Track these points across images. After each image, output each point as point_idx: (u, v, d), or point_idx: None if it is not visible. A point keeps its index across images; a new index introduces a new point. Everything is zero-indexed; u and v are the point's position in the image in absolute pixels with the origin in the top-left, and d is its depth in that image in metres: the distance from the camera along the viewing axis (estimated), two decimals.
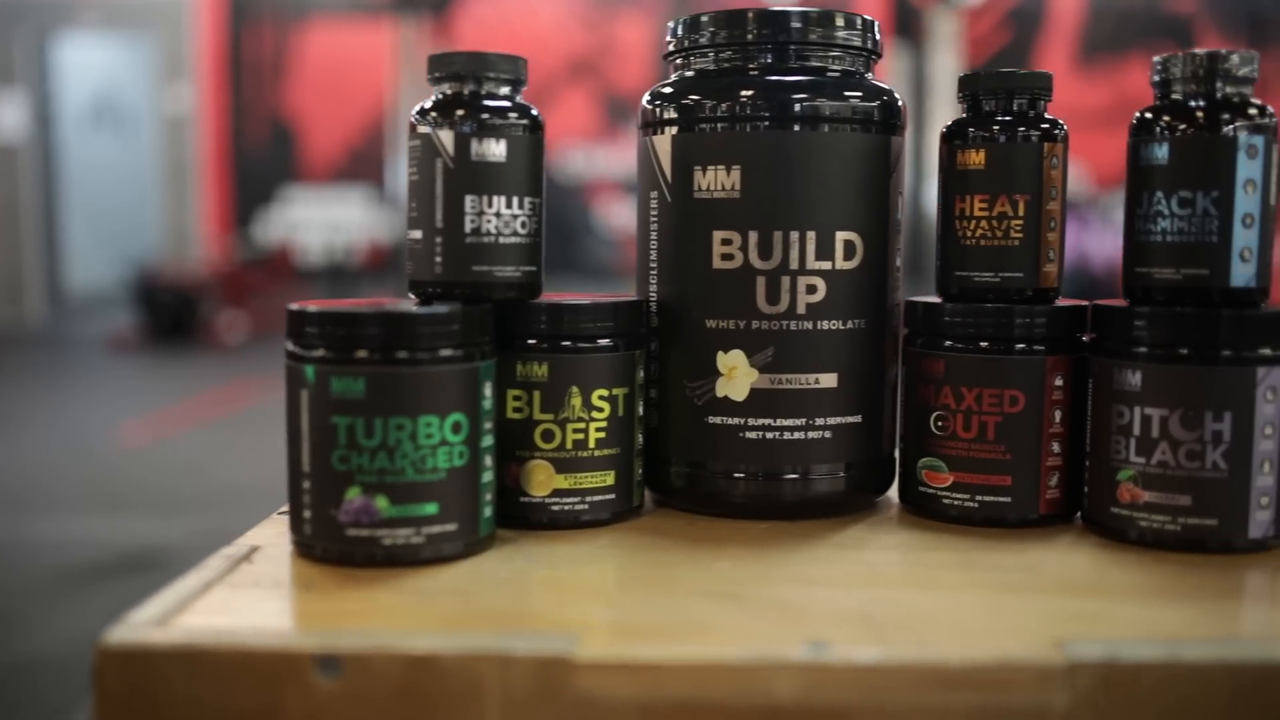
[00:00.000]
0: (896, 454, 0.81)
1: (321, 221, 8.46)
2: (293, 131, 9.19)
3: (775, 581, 0.65)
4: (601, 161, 9.02)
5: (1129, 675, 0.52)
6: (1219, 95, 0.71)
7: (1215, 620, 0.59)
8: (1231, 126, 0.70)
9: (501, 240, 0.73)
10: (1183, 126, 0.71)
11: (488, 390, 0.69)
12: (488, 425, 0.69)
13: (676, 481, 0.79)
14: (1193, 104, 0.71)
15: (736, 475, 0.77)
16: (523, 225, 0.74)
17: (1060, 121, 0.78)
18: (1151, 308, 0.71)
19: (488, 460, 0.69)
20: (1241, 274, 0.71)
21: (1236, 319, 0.69)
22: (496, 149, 0.73)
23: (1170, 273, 0.72)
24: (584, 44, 9.02)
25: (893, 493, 0.82)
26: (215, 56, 9.11)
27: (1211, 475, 0.69)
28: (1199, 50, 0.71)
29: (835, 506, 0.79)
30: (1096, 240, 7.04)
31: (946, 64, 6.95)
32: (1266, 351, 0.69)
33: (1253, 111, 0.71)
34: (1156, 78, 0.73)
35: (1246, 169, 0.70)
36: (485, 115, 0.73)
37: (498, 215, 0.73)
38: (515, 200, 0.74)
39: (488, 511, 0.70)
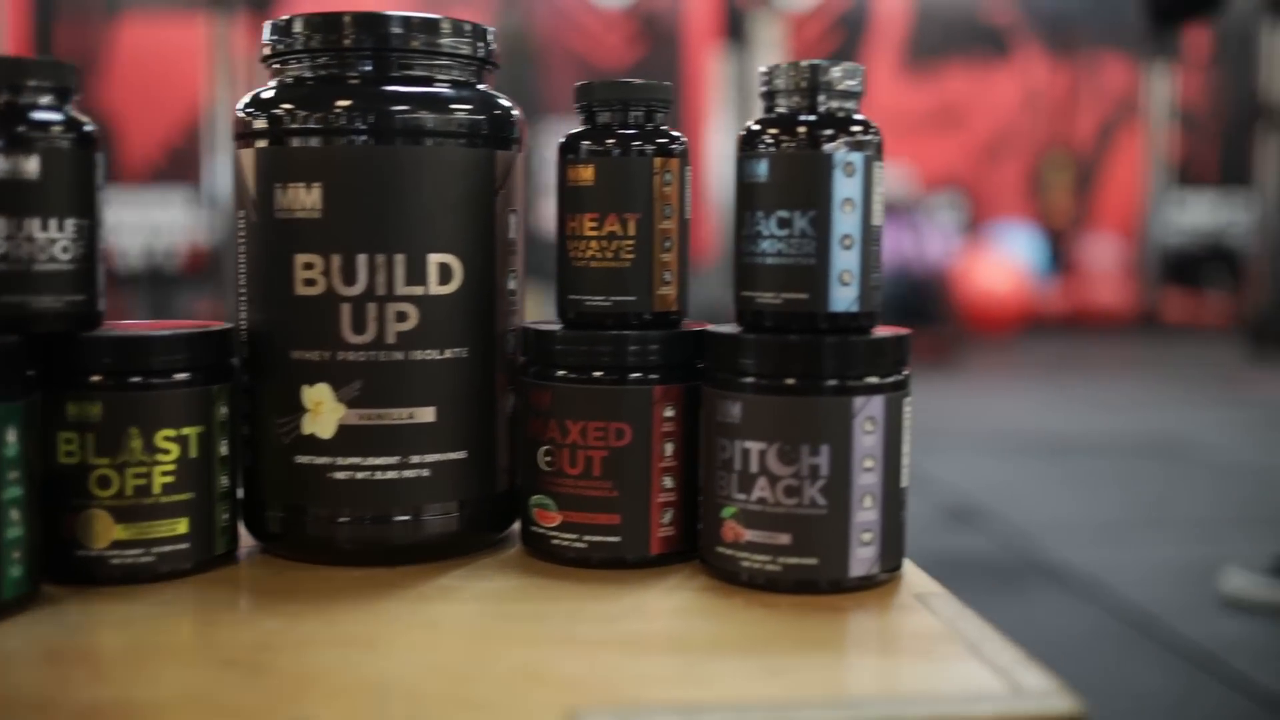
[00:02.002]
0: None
1: (140, 224, 8.15)
2: (108, 131, 8.81)
3: (316, 644, 0.59)
4: None
5: None
6: (821, 109, 0.67)
7: (781, 679, 0.55)
8: (830, 143, 0.66)
9: (36, 267, 0.65)
10: (780, 142, 0.67)
11: (10, 435, 0.61)
12: (12, 475, 0.61)
13: (273, 526, 0.72)
14: (792, 118, 0.67)
15: (329, 519, 0.70)
16: (64, 250, 0.66)
17: (679, 135, 0.74)
18: (744, 335, 0.67)
19: (14, 514, 0.62)
20: (842, 298, 0.67)
21: (831, 346, 0.65)
22: (29, 165, 0.65)
23: (772, 297, 0.67)
24: None
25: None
26: (24, 54, 8.67)
27: (810, 512, 0.65)
28: (802, 61, 0.68)
29: (445, 549, 0.73)
30: (925, 244, 7.17)
31: None
32: (864, 380, 0.65)
33: (854, 128, 0.67)
34: (762, 89, 0.69)
35: (844, 188, 0.66)
36: (19, 128, 0.65)
37: (30, 240, 0.65)
38: (54, 222, 0.66)
39: (16, 571, 0.62)
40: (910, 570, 0.70)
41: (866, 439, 0.65)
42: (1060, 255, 8.72)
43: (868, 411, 0.65)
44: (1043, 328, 8.05)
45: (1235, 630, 2.27)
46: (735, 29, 7.70)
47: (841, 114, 0.68)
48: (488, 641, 0.59)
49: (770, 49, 7.24)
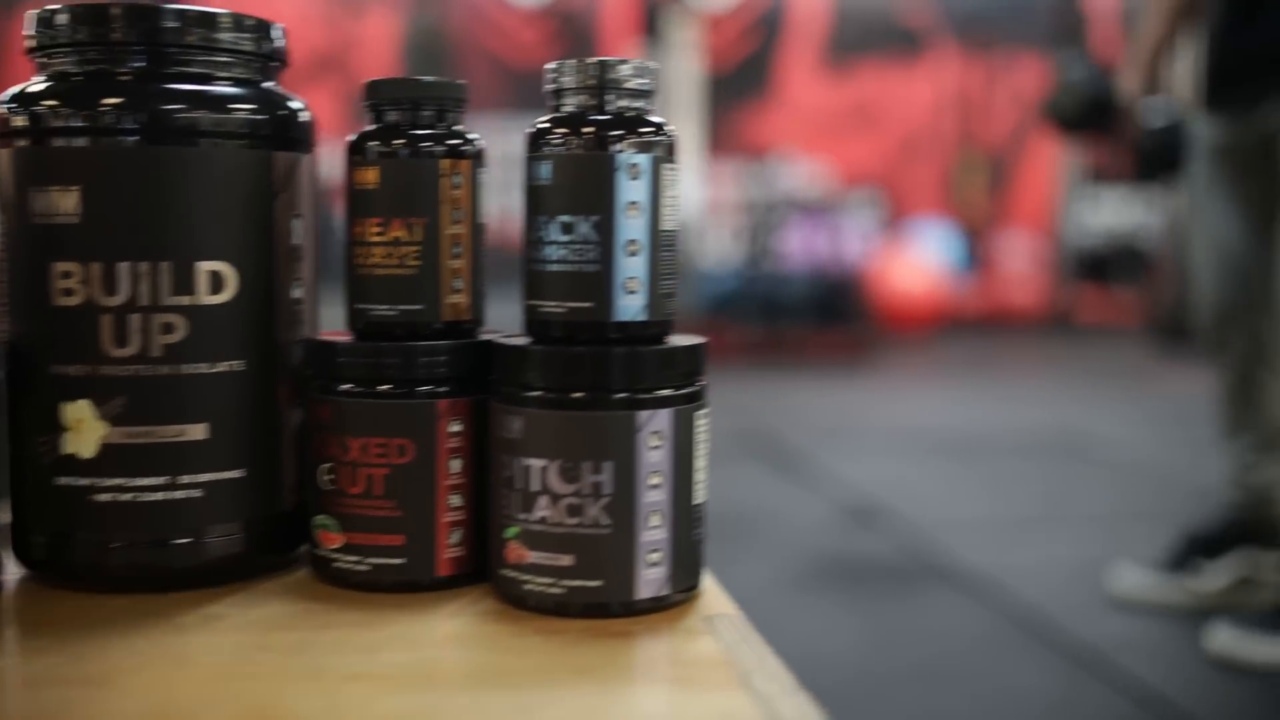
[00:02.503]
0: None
1: None
2: None
3: (48, 683, 0.54)
4: None
5: None
6: (609, 109, 0.64)
7: (527, 716, 0.52)
8: (614, 144, 0.63)
9: None
10: (564, 142, 0.64)
11: None
12: None
13: (37, 552, 0.68)
14: (578, 118, 0.64)
15: (96, 543, 0.66)
16: None
17: (473, 136, 0.70)
18: (525, 346, 0.64)
19: None
20: (629, 307, 0.64)
21: (613, 358, 0.62)
22: None
23: (556, 306, 0.64)
24: (327, 40, 8.73)
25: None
26: None
27: (593, 532, 0.62)
28: (590, 59, 0.64)
29: (227, 573, 0.69)
30: (842, 243, 7.20)
31: (686, 68, 7.00)
32: (650, 393, 0.62)
33: (643, 128, 0.64)
34: (549, 86, 0.66)
35: (629, 191, 0.63)
36: None
37: None
38: None
39: None
40: (710, 589, 0.68)
41: (653, 454, 0.62)
42: (976, 253, 8.82)
43: (654, 425, 0.62)
44: (958, 326, 8.13)
45: (1122, 629, 2.29)
46: (652, 27, 7.69)
47: (630, 114, 0.65)
48: (231, 678, 0.55)
49: (686, 48, 7.24)
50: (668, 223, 0.65)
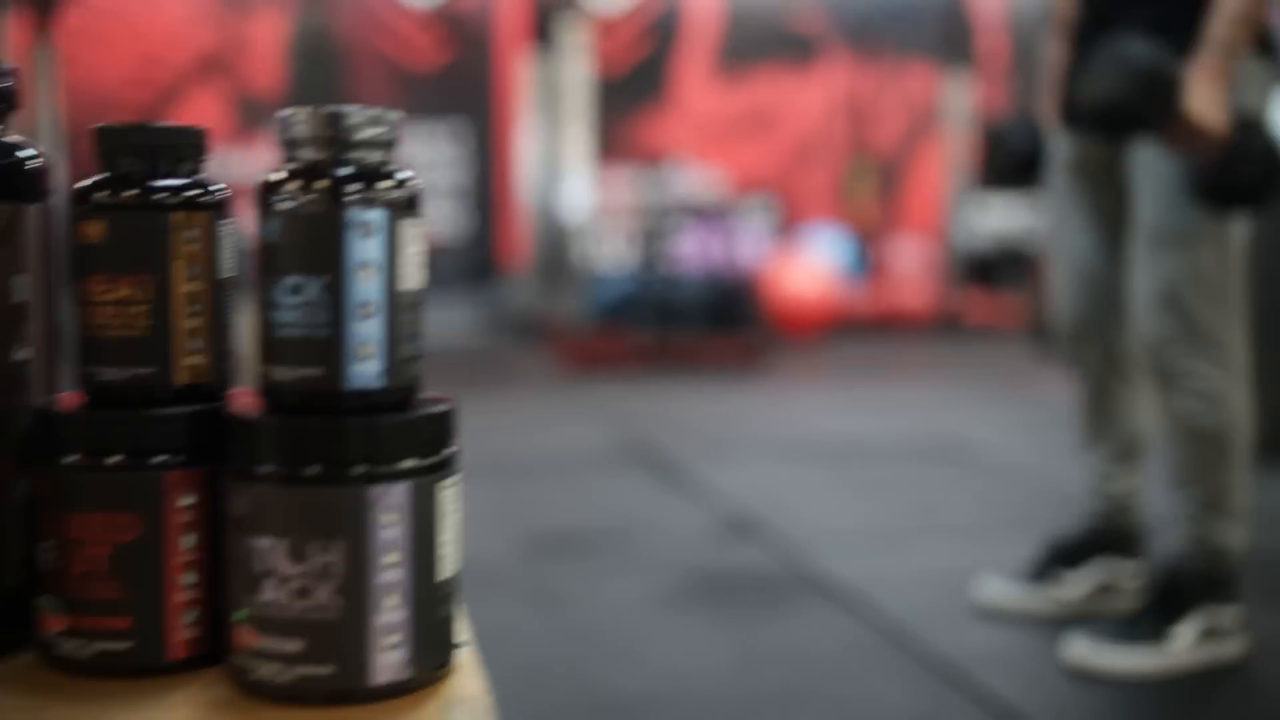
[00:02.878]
0: None
1: None
2: None
3: None
4: (235, 166, 8.56)
5: None
6: (341, 162, 0.60)
7: None
8: (344, 200, 0.59)
9: None
10: (292, 198, 0.60)
11: None
12: None
13: None
14: (308, 171, 0.60)
15: None
16: None
17: (215, 184, 0.66)
18: (247, 416, 0.60)
19: None
20: (362, 374, 0.60)
21: (341, 429, 0.59)
22: None
23: (287, 373, 0.60)
24: (213, 42, 8.53)
25: None
26: None
27: (322, 615, 0.58)
28: (324, 108, 0.60)
29: None
30: (736, 248, 7.21)
31: (578, 73, 6.96)
32: (383, 466, 0.59)
33: (378, 182, 0.60)
34: (281, 137, 0.62)
35: (361, 250, 0.59)
36: None
37: None
38: None
39: None
40: (466, 667, 0.64)
41: (388, 532, 0.59)
42: (867, 258, 8.91)
43: (389, 501, 0.59)
44: (850, 329, 8.21)
45: (986, 641, 2.30)
46: (544, 32, 7.64)
47: (365, 167, 0.61)
48: None
49: (579, 52, 7.20)
50: (408, 282, 0.61)
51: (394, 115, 0.62)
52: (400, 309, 0.61)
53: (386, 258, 0.60)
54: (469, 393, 5.66)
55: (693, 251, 8.22)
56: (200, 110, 8.45)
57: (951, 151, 8.11)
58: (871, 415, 5.08)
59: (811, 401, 5.69)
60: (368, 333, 0.60)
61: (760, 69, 8.94)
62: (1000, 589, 2.44)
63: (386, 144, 0.62)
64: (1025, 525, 3.05)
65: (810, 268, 7.97)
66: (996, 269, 8.77)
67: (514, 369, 6.67)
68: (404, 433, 0.60)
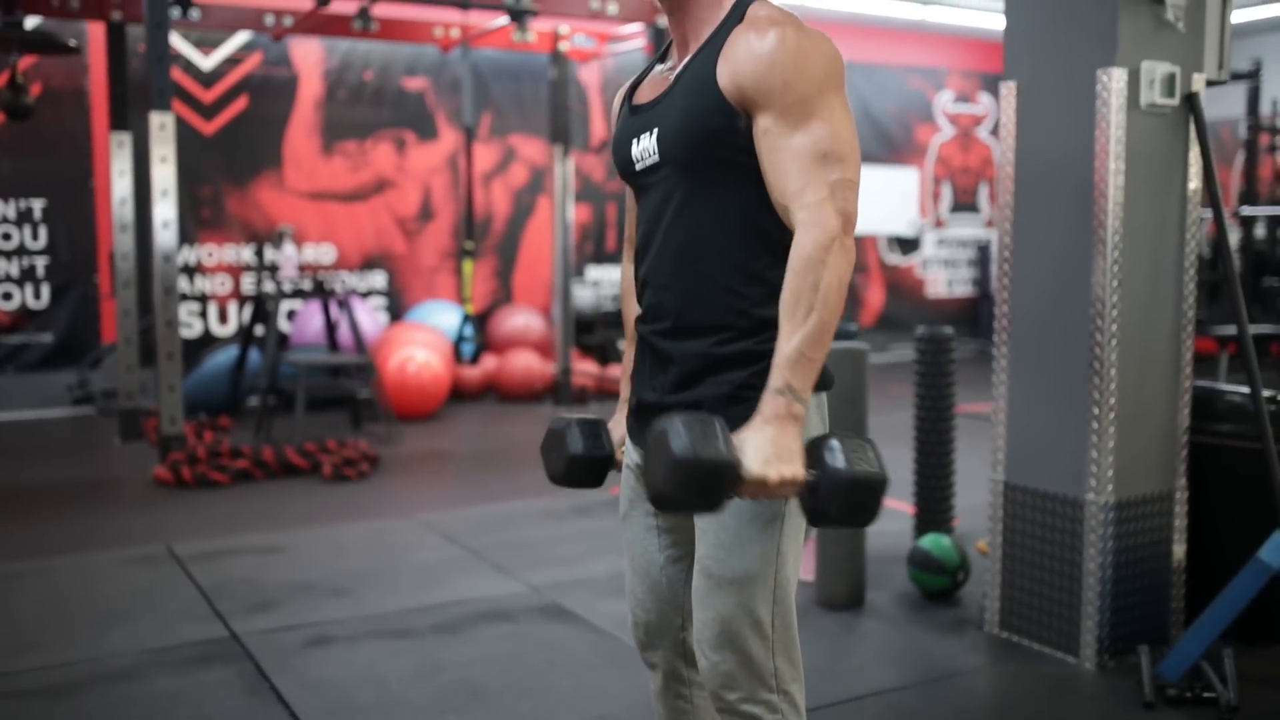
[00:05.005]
0: None
1: None
2: None
3: None
4: None
5: None
6: None
7: None
8: None
9: None
10: None
11: None
12: None
13: None
14: None
15: None
16: None
17: None
18: None
19: None
20: None
21: None
22: None
23: None
24: None
25: None
26: None
27: None
28: None
29: None
30: (350, 324, 7.16)
31: (162, 153, 6.75)
32: None
33: None
34: None
35: None
36: None
37: None
38: None
39: None
40: None
41: None
42: (481, 332, 9.10)
43: None
44: (464, 402, 8.38)
45: None
46: (124, 117, 7.35)
47: None
48: None
49: (162, 136, 7.02)
50: None
51: None
52: None
53: None
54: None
55: (305, 329, 8.13)
56: None
57: (561, 223, 8.44)
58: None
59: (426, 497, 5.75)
60: None
61: (376, 142, 8.98)
62: None
63: None
64: None
65: (426, 342, 8.05)
66: (604, 336, 9.18)
67: (101, 465, 6.37)
68: None
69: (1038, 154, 3.42)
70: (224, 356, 7.84)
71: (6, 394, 7.98)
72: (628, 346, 2.04)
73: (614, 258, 10.06)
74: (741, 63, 1.67)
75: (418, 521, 5.07)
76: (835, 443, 1.57)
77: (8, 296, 8.01)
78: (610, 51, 8.75)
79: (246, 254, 8.57)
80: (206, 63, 8.44)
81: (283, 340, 8.29)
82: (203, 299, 8.53)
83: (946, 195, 12.03)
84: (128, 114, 7.18)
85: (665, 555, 1.95)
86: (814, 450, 1.58)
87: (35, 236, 8.04)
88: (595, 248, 10.02)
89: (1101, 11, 3.20)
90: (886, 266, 11.74)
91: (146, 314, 7.50)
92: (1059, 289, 3.35)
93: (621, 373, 2.09)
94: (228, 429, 7.27)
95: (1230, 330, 6.82)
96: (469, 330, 8.14)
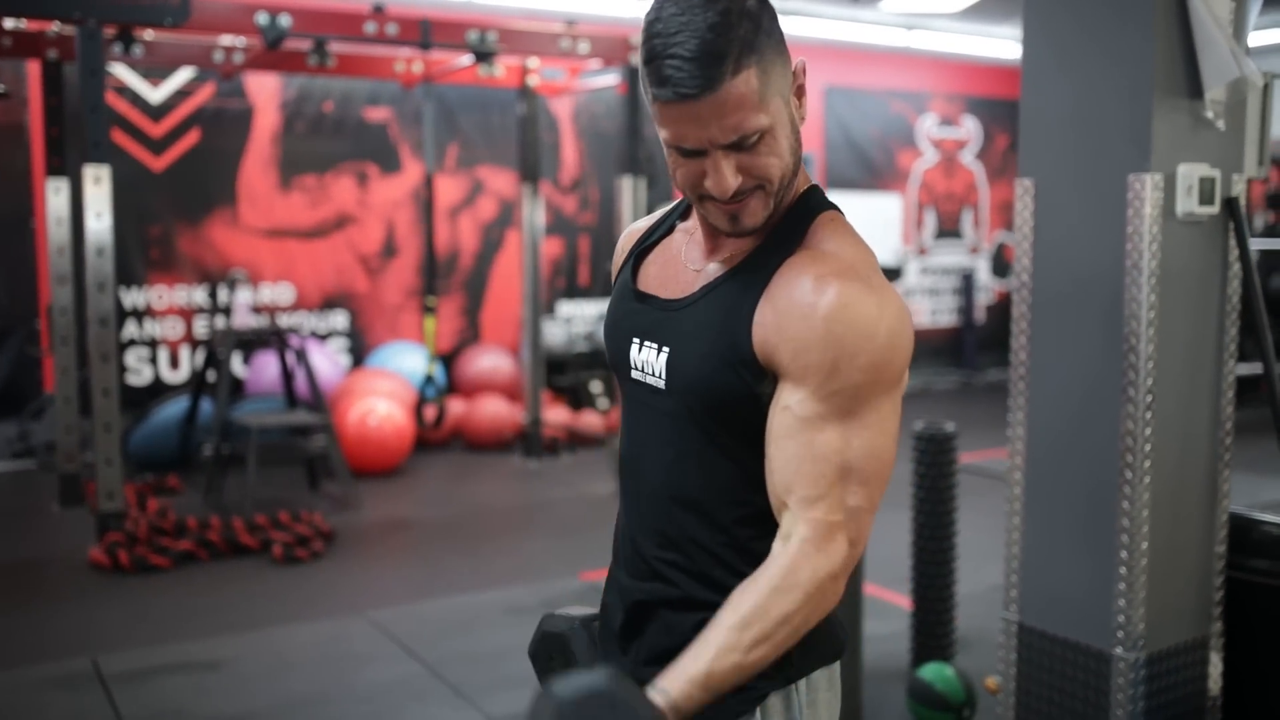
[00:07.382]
0: None
1: None
2: None
3: None
4: None
5: None
6: None
7: None
8: None
9: None
10: None
11: None
12: None
13: None
14: None
15: None
16: None
17: None
18: None
19: None
20: None
21: None
22: None
23: None
24: None
25: None
26: None
27: None
28: None
29: None
30: (309, 368, 6.72)
31: (98, 199, 6.32)
32: None
33: None
34: None
35: None
36: None
37: None
38: None
39: None
40: None
41: None
42: (449, 374, 8.72)
43: None
44: (429, 453, 7.98)
45: None
46: (61, 163, 6.91)
47: None
48: None
49: (98, 187, 6.59)
50: None
51: None
52: None
53: None
54: None
55: (261, 374, 7.71)
56: None
57: (530, 260, 8.03)
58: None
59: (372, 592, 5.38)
60: None
61: (335, 179, 8.56)
62: None
63: None
64: None
65: (389, 387, 7.66)
66: (577, 376, 8.81)
67: (36, 540, 5.93)
68: None
69: (1059, 264, 3.05)
70: (174, 408, 7.39)
71: None
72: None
73: (587, 292, 9.66)
74: (786, 321, 1.30)
75: (371, 622, 4.66)
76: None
77: None
78: (582, 86, 8.33)
79: (199, 295, 8.14)
80: (155, 94, 8.00)
81: (238, 386, 7.86)
82: (152, 344, 8.08)
83: (930, 222, 11.69)
84: (65, 156, 6.73)
85: None
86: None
87: None
88: (567, 282, 9.61)
89: (1135, 108, 2.82)
90: None
91: (87, 364, 7.05)
92: (1083, 416, 2.98)
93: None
94: (176, 490, 6.84)
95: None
96: (430, 392, 7.61)
